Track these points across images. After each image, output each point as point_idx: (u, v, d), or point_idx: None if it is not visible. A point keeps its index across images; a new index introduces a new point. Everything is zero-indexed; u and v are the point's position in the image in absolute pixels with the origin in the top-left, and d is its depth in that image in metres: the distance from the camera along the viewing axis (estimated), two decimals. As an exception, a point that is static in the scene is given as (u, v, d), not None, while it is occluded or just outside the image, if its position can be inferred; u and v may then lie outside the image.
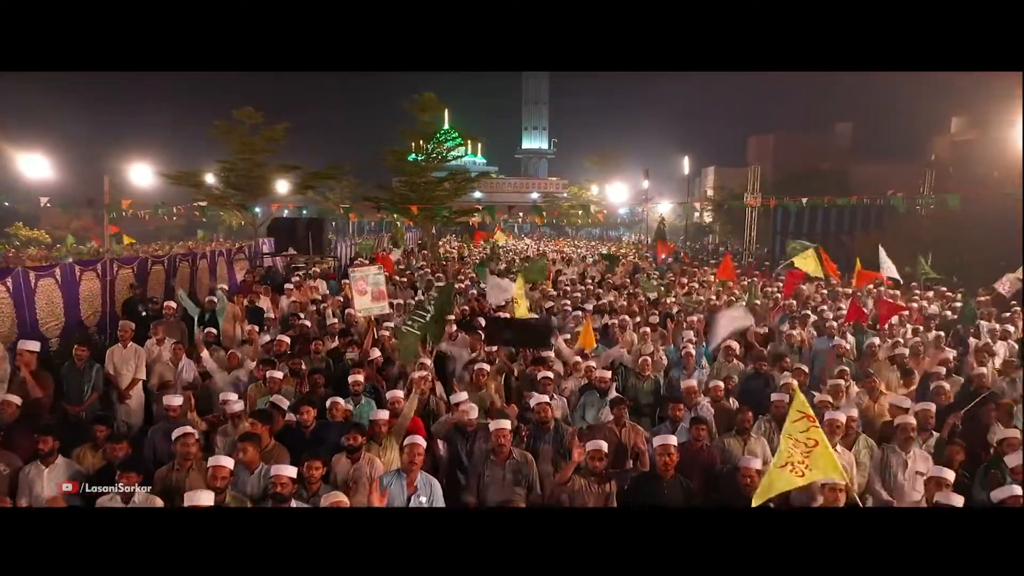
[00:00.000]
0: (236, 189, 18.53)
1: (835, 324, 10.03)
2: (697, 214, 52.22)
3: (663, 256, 18.73)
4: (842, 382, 6.82)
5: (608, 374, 7.05)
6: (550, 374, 6.87)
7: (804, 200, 19.68)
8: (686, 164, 45.37)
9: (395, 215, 21.96)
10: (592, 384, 7.16)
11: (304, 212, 31.02)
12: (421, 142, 18.62)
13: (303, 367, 7.17)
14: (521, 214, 52.17)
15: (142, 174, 23.56)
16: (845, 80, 61.57)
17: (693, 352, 8.05)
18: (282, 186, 32.95)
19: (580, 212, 47.95)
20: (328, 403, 5.88)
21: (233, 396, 6.11)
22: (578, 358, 7.85)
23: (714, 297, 13.68)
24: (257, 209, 35.98)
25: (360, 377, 6.49)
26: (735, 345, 8.59)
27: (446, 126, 19.22)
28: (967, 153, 32.35)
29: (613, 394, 6.74)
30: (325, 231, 18.08)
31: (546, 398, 6.05)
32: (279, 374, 6.69)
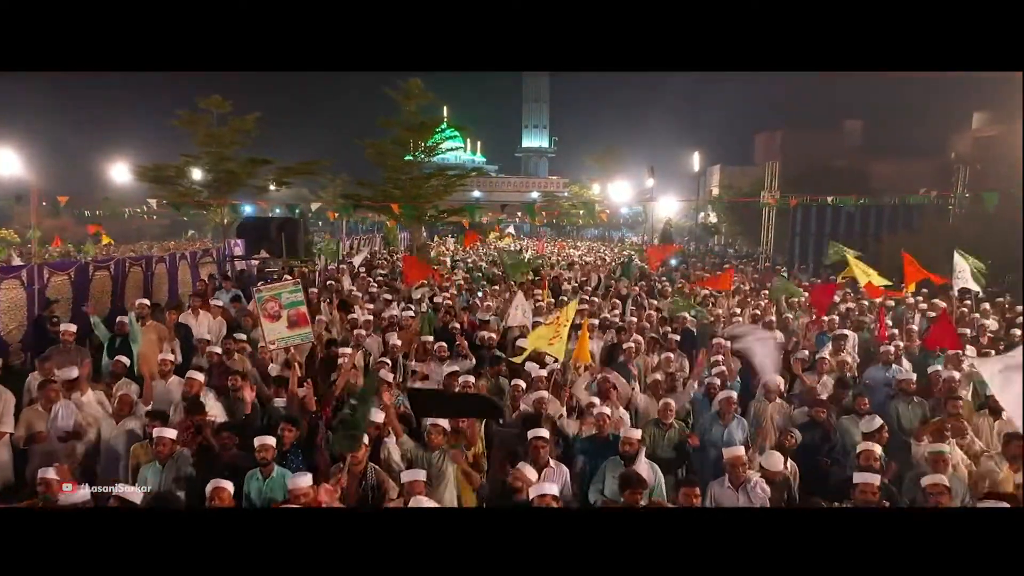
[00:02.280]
0: (202, 185, 16.73)
1: (891, 348, 8.18)
2: (701, 214, 50.45)
3: (658, 264, 16.72)
4: (946, 448, 4.94)
5: (637, 435, 5.19)
6: (545, 433, 5.03)
7: (840, 199, 17.79)
8: (696, 160, 43.40)
9: (384, 215, 20.11)
10: (600, 439, 5.43)
11: (296, 211, 29.20)
12: (408, 135, 16.81)
13: (207, 418, 5.34)
14: (519, 214, 50.36)
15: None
16: (854, 76, 59.84)
17: (734, 396, 6.21)
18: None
19: (582, 212, 46.15)
20: (209, 489, 4.02)
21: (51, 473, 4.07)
22: (595, 400, 6.01)
23: (738, 310, 11.81)
24: (247, 208, 34.07)
25: (270, 441, 4.62)
26: (778, 380, 6.77)
27: (440, 118, 17.16)
28: (990, 149, 30.69)
29: (642, 461, 4.92)
30: (300, 231, 16.28)
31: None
32: (170, 432, 4.87)
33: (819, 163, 35.12)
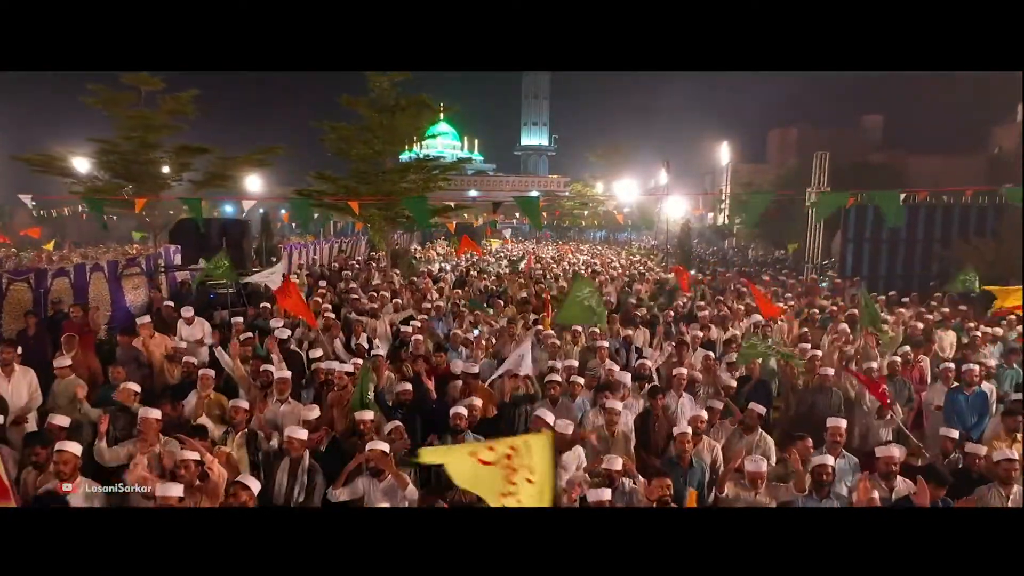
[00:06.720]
0: (125, 179, 13.54)
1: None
2: (710, 215, 47.34)
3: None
4: None
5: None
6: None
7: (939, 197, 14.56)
8: (725, 152, 39.85)
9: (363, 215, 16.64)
10: None
11: (285, 210, 25.85)
12: (380, 118, 13.63)
13: None
14: (517, 215, 47.24)
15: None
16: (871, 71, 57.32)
17: None
18: (253, 182, 27.72)
19: (586, 212, 42.92)
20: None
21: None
22: None
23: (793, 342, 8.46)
24: (228, 207, 30.58)
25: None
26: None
27: (420, 98, 13.99)
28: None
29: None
30: (248, 235, 13.12)
31: None
32: None
33: (838, 159, 32.02)
